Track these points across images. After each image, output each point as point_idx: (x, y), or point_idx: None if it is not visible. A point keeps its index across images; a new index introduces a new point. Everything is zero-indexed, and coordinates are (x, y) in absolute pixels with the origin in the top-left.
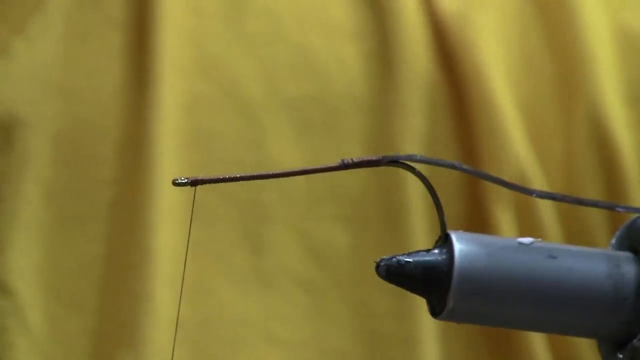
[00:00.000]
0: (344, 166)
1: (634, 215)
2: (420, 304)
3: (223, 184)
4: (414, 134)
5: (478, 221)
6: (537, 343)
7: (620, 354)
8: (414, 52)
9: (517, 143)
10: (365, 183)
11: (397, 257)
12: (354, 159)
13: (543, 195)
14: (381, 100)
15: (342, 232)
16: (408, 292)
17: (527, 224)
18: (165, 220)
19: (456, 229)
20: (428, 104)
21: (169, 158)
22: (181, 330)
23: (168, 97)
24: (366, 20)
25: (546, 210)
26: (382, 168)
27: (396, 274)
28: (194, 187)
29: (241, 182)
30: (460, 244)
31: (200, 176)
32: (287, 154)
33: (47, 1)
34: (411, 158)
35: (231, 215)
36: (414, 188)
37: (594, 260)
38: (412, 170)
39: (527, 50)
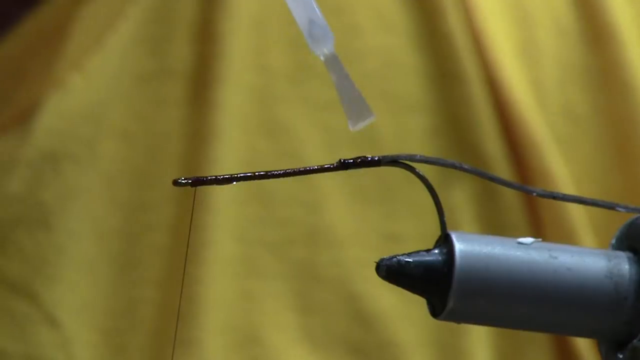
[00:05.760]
0: (344, 166)
1: (634, 215)
2: None
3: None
4: (472, 206)
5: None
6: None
7: (621, 354)
8: (477, 133)
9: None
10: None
11: (398, 257)
12: (354, 159)
13: (544, 194)
14: (439, 175)
15: (390, 295)
16: None
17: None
18: (217, 271)
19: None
20: (487, 182)
21: (224, 210)
22: None
23: (226, 151)
24: (431, 95)
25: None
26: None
27: (396, 274)
28: (194, 188)
29: (297, 242)
30: (460, 244)
31: (201, 176)
32: (340, 218)
33: (105, 41)
34: (411, 158)
35: (283, 273)
36: None
37: (593, 260)
38: (412, 170)
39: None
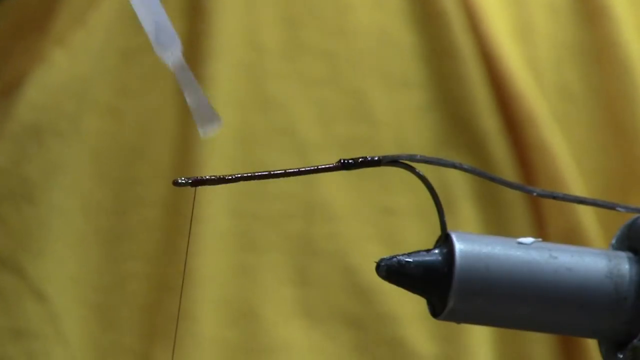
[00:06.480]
0: (344, 166)
1: (634, 215)
2: (468, 350)
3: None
4: (468, 182)
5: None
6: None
7: (621, 354)
8: (473, 109)
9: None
10: (410, 224)
11: (398, 257)
12: (354, 159)
13: (544, 194)
14: (431, 151)
15: None
16: (452, 336)
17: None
18: (212, 246)
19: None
20: (483, 158)
21: (217, 185)
22: (226, 350)
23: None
24: (426, 71)
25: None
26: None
27: (396, 274)
28: (194, 188)
29: (293, 215)
30: (460, 244)
31: (200, 177)
32: (335, 193)
33: (88, 17)
34: (412, 158)
35: (280, 246)
36: None
37: (594, 260)
38: (413, 170)
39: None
